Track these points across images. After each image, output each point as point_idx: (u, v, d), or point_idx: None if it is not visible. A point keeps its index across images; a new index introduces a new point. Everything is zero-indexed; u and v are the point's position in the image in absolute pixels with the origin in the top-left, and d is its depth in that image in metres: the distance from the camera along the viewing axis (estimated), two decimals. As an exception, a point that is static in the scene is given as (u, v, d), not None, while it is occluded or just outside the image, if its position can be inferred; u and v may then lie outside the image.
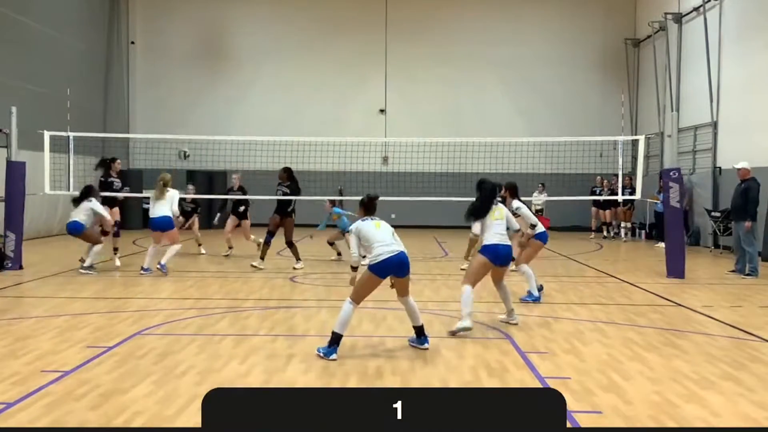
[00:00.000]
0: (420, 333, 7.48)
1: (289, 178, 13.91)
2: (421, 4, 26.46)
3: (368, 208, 7.60)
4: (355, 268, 7.69)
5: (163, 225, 12.84)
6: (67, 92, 16.09)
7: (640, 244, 21.13)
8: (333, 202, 15.35)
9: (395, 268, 7.21)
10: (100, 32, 24.67)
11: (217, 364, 6.75)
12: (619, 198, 16.51)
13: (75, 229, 12.91)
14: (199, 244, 16.82)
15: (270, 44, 26.63)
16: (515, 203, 10.59)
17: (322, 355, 6.93)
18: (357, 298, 7.17)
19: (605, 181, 22.01)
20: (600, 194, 21.65)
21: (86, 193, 13.10)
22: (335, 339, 6.98)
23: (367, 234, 7.27)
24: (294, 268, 13.71)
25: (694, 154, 20.98)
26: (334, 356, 6.89)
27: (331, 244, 15.37)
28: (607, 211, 22.39)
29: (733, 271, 13.77)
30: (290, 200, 13.90)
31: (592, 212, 22.85)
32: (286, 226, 13.94)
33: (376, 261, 7.13)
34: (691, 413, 5.46)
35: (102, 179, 14.45)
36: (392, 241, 7.27)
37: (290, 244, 14.04)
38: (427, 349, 7.35)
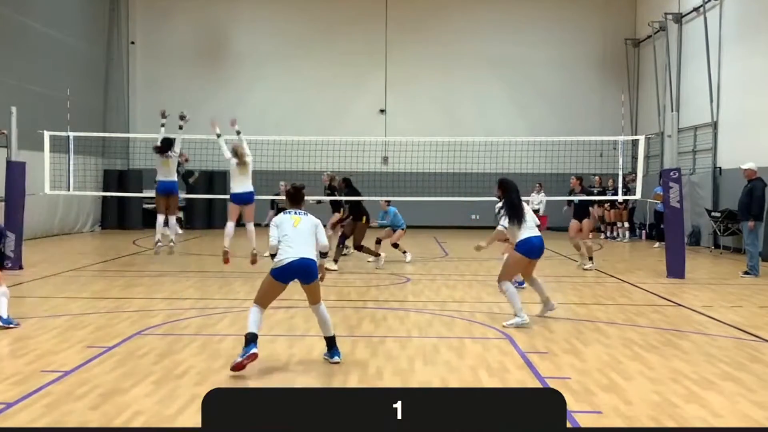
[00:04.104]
0: (330, 345, 6.87)
1: None
2: (422, 5, 26.46)
3: (292, 199, 7.09)
4: (273, 255, 6.82)
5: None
6: (67, 92, 16.09)
7: (640, 244, 21.12)
8: (389, 202, 15.73)
9: (295, 274, 6.69)
10: (100, 32, 24.67)
11: (217, 364, 6.75)
12: (619, 198, 16.49)
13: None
14: None
15: (270, 44, 26.62)
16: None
17: (239, 359, 6.42)
18: (261, 302, 6.72)
19: (596, 179, 21.99)
20: (596, 194, 21.60)
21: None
22: (250, 338, 6.48)
23: (281, 228, 6.76)
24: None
25: (694, 154, 20.98)
26: (254, 350, 6.41)
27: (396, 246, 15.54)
28: (612, 212, 22.33)
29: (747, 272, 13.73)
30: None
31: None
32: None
33: (278, 264, 6.65)
34: (691, 413, 5.46)
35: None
36: (302, 244, 6.69)
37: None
38: (338, 362, 6.75)
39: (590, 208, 14.83)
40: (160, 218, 13.91)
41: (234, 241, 15.91)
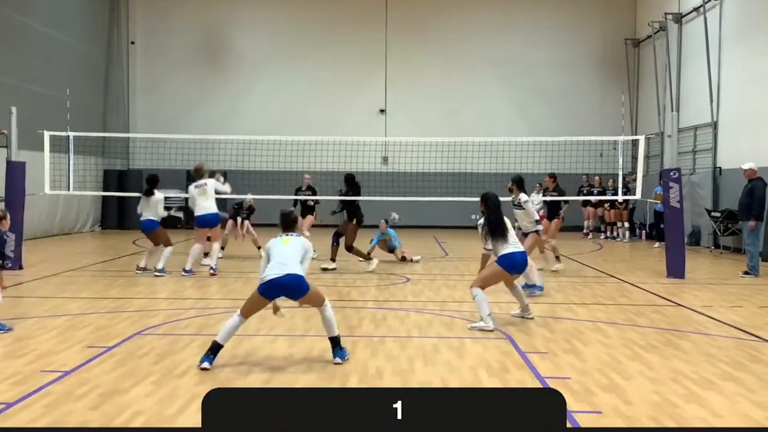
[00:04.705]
0: (334, 344, 6.90)
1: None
2: (422, 5, 26.46)
3: (284, 224, 7.19)
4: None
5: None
6: (67, 92, 16.09)
7: (640, 244, 21.12)
8: (387, 222, 15.72)
9: (282, 291, 6.75)
10: (100, 32, 24.67)
11: (217, 364, 6.74)
12: (619, 198, 16.49)
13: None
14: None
15: (270, 44, 26.63)
16: (522, 196, 11.13)
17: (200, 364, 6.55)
18: (245, 313, 6.82)
19: (596, 179, 22.02)
20: (596, 194, 21.62)
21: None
22: (213, 347, 6.64)
23: (271, 250, 6.86)
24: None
25: (694, 154, 20.97)
26: (206, 364, 6.52)
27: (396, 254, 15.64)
28: (612, 212, 22.34)
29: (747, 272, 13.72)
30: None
31: (589, 212, 22.86)
32: None
33: (263, 280, 6.73)
34: (691, 413, 5.46)
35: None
36: (289, 261, 6.72)
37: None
38: (340, 363, 6.76)
39: (560, 211, 14.70)
40: (149, 245, 13.55)
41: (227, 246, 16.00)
